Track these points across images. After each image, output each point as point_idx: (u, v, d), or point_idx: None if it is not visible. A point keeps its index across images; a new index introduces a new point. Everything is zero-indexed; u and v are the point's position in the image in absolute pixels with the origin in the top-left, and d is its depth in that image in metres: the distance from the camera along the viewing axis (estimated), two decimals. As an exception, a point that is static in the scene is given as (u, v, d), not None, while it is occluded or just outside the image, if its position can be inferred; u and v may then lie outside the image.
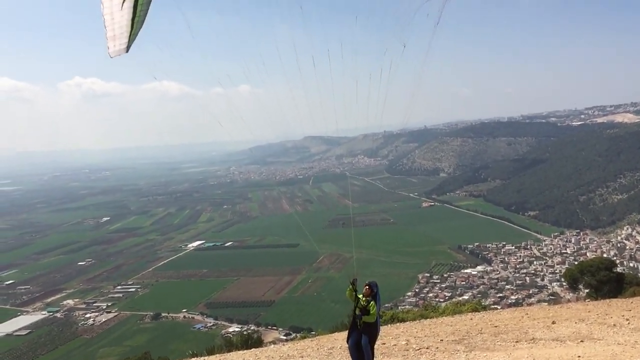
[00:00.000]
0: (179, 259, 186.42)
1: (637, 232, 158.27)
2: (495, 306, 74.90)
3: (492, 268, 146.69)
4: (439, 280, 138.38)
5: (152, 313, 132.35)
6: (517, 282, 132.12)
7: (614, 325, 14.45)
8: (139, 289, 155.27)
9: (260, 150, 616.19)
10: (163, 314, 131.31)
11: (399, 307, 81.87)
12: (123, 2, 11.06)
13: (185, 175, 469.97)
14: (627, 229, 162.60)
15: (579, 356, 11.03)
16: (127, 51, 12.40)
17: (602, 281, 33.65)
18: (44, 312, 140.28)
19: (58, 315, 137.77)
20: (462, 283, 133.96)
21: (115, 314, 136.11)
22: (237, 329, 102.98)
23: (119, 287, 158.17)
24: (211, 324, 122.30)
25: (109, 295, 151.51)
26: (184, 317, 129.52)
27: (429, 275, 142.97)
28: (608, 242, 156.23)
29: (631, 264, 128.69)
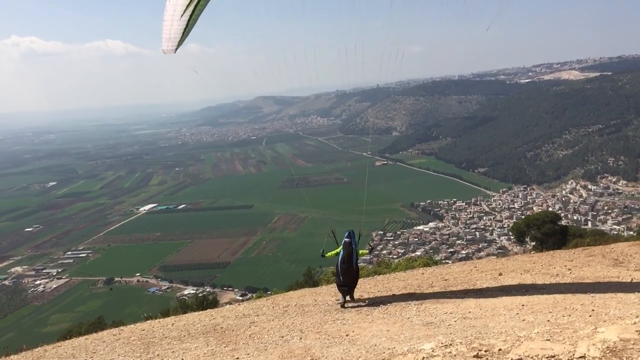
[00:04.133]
0: (130, 223, 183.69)
1: (581, 186, 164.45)
2: (446, 261, 76.99)
3: (443, 224, 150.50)
4: (392, 238, 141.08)
5: (104, 278, 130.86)
6: (468, 237, 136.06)
7: (557, 275, 15.06)
8: (90, 254, 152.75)
9: (212, 111, 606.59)
10: (116, 279, 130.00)
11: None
12: (182, 14, 14.07)
13: (134, 137, 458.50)
14: (572, 183, 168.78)
15: (522, 304, 11.47)
16: (174, 52, 15.23)
17: (547, 234, 34.97)
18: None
19: (6, 282, 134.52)
20: (415, 239, 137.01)
21: (67, 280, 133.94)
22: (192, 291, 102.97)
23: (69, 252, 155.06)
24: (166, 287, 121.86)
25: (59, 262, 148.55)
26: (138, 281, 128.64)
27: (382, 232, 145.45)
28: (553, 196, 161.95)
29: (575, 217, 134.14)
